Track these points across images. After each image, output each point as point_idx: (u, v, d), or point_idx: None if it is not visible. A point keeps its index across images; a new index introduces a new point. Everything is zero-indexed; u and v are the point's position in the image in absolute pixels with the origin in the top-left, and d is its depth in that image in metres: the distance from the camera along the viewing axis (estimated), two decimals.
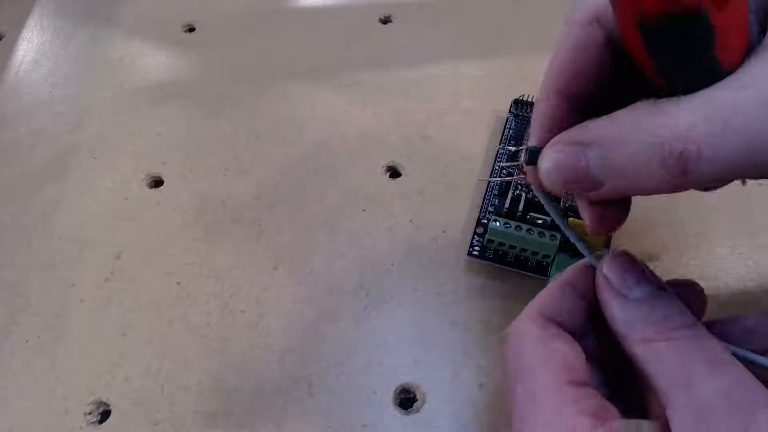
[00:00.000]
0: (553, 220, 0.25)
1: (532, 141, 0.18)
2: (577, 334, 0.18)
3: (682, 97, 0.14)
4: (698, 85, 0.14)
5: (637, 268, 0.17)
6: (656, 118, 0.14)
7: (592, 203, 0.18)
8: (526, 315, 0.18)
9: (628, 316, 0.16)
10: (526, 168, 0.18)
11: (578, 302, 0.18)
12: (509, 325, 0.18)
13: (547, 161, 0.16)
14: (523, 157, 0.18)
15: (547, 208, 0.20)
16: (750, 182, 0.29)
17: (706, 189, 0.16)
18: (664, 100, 0.14)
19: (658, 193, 0.15)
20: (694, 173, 0.14)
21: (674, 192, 0.15)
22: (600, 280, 0.17)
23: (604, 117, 0.15)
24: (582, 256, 0.19)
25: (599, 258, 0.18)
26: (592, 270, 0.18)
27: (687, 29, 0.13)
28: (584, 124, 0.16)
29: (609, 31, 0.17)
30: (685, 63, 0.14)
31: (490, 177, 0.29)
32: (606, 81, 0.17)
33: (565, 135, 0.16)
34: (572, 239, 0.19)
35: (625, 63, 0.16)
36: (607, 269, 0.17)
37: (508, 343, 0.18)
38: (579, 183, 0.16)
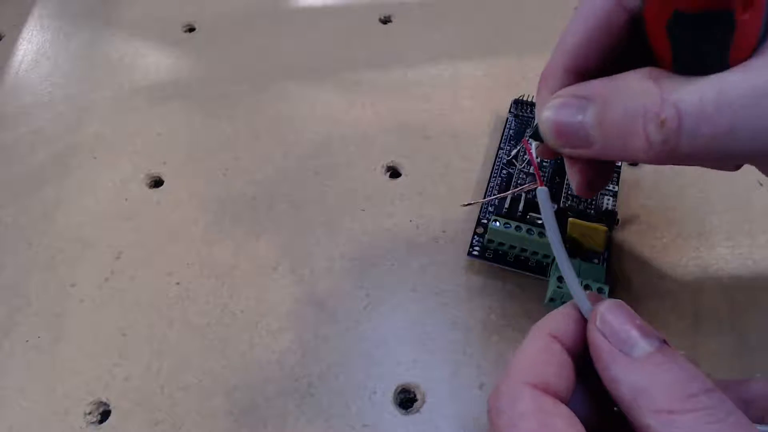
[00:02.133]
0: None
1: (537, 114, 0.18)
2: (565, 398, 0.15)
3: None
4: (702, 74, 0.14)
5: (635, 319, 0.15)
6: (649, 85, 0.15)
7: (581, 167, 0.19)
8: (515, 380, 0.15)
9: (634, 379, 0.14)
10: (532, 144, 0.18)
11: (566, 360, 0.16)
12: (495, 390, 0.16)
13: (548, 111, 0.17)
14: (529, 131, 0.18)
15: (548, 233, 0.18)
16: (750, 183, 0.29)
17: (686, 164, 0.17)
18: (662, 71, 0.15)
19: (645, 162, 0.15)
20: (672, 143, 0.14)
21: (659, 164, 0.15)
22: (595, 337, 0.15)
23: (605, 77, 0.16)
24: (582, 259, 0.18)
25: (592, 301, 0.16)
26: (581, 318, 0.16)
27: (716, 23, 0.13)
28: (585, 82, 0.16)
29: (631, 13, 0.16)
30: (700, 54, 0.14)
31: (489, 177, 0.29)
32: (617, 62, 0.17)
33: (566, 89, 0.17)
34: (568, 280, 0.17)
35: (637, 45, 0.16)
36: (601, 324, 0.15)
37: (501, 414, 0.15)
38: (573, 138, 0.16)
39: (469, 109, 0.33)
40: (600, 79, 0.16)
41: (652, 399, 0.14)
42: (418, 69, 0.35)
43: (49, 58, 0.37)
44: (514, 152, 0.28)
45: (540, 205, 0.17)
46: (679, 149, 0.14)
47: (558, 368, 0.16)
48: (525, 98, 0.32)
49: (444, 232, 0.29)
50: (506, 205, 0.27)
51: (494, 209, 0.28)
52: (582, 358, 0.16)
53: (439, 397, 0.24)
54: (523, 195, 0.27)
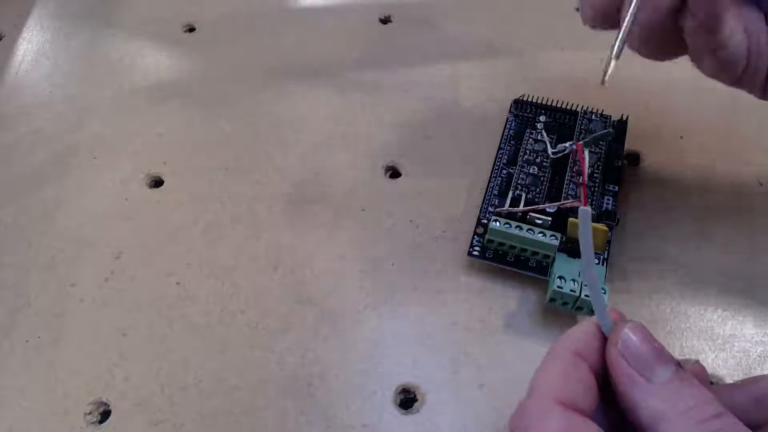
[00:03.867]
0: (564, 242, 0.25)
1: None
2: (591, 416, 0.16)
3: None
4: None
5: (655, 342, 0.16)
6: None
7: None
8: (543, 397, 0.16)
9: (654, 404, 0.15)
10: (585, 153, 0.17)
11: (590, 378, 0.16)
12: (520, 408, 0.16)
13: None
14: (586, 138, 0.17)
15: (583, 255, 0.17)
16: (750, 183, 0.29)
17: None
18: None
19: None
20: None
21: None
22: (616, 360, 0.16)
23: None
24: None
25: (614, 319, 0.16)
26: (602, 336, 0.17)
27: None
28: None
29: None
30: None
31: (489, 177, 0.29)
32: None
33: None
34: (594, 300, 0.17)
35: None
36: (623, 347, 0.16)
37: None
38: None
39: (469, 109, 0.33)
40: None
41: (671, 424, 0.14)
42: (418, 69, 0.35)
43: (49, 58, 0.37)
44: (560, 148, 0.25)
45: (580, 227, 0.16)
46: None
47: (584, 386, 0.16)
48: (525, 98, 0.32)
49: (444, 232, 0.29)
50: (506, 205, 0.27)
51: (494, 209, 0.28)
52: (603, 377, 0.16)
53: (439, 397, 0.24)
54: (524, 195, 0.27)
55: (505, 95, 0.32)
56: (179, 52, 0.37)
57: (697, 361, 0.18)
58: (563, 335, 0.17)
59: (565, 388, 0.15)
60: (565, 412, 0.15)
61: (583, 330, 0.17)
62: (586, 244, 0.16)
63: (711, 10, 0.19)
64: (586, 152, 0.18)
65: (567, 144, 0.22)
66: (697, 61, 0.21)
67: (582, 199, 0.17)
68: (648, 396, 0.15)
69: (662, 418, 0.14)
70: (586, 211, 0.16)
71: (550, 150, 0.24)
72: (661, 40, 0.21)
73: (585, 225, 0.16)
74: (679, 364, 0.15)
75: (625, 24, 0.19)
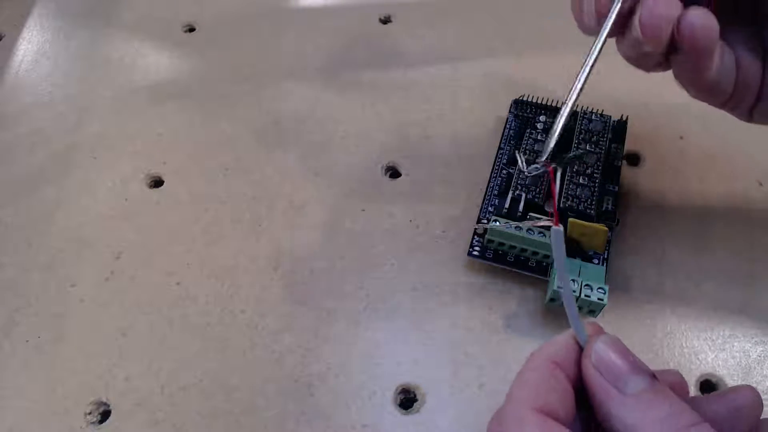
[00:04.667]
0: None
1: None
2: (568, 426, 0.16)
3: None
4: None
5: (629, 355, 0.16)
6: None
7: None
8: (520, 404, 0.16)
9: (629, 415, 0.15)
10: (558, 172, 0.17)
11: (568, 388, 0.16)
12: (498, 414, 0.16)
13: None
14: (560, 158, 0.18)
15: (558, 271, 0.18)
16: (750, 183, 0.29)
17: None
18: None
19: None
20: None
21: None
22: (590, 372, 0.16)
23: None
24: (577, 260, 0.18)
25: (590, 332, 0.17)
26: (578, 348, 0.17)
27: None
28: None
29: None
30: None
31: (489, 178, 0.29)
32: None
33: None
34: (569, 311, 0.17)
35: None
36: (596, 360, 0.16)
37: None
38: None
39: (469, 109, 0.33)
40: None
41: None
42: (418, 69, 0.35)
43: (49, 58, 0.37)
44: (532, 169, 0.26)
45: (552, 246, 0.17)
46: None
47: (562, 395, 0.16)
48: (525, 98, 0.32)
49: (444, 232, 0.29)
50: (506, 205, 0.27)
51: (494, 209, 0.28)
52: (580, 388, 0.17)
53: (439, 397, 0.24)
54: (524, 195, 0.27)
55: (505, 95, 0.32)
56: (179, 52, 0.37)
57: (677, 373, 0.18)
58: (542, 345, 0.17)
59: (542, 397, 0.16)
60: (541, 420, 0.15)
61: (562, 340, 0.17)
62: (560, 260, 0.17)
63: (700, 46, 0.19)
64: (558, 174, 0.19)
65: (539, 165, 0.22)
66: (682, 85, 0.22)
67: (554, 219, 0.17)
68: (622, 407, 0.15)
69: (634, 427, 0.15)
70: (558, 230, 0.17)
71: (525, 169, 0.24)
72: (646, 65, 0.22)
73: (558, 243, 0.17)
74: (653, 376, 0.16)
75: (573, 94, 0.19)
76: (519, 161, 0.24)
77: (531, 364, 0.17)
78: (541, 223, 0.23)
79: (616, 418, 0.15)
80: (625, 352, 0.16)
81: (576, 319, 0.17)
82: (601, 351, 0.16)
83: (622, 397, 0.15)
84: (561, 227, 0.17)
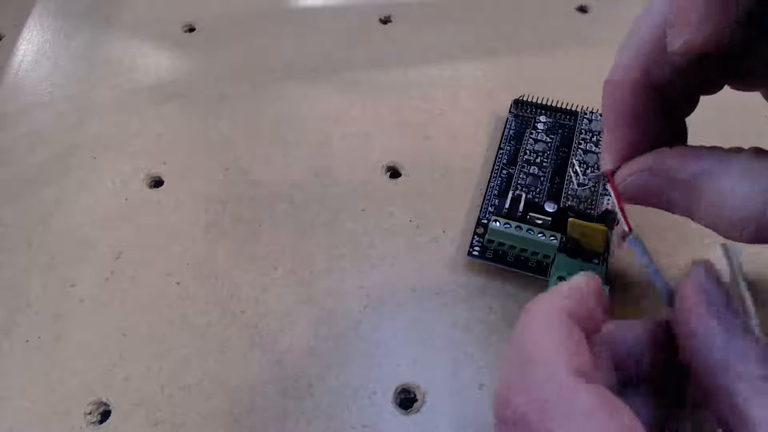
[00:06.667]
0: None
1: (609, 156, 0.17)
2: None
3: None
4: None
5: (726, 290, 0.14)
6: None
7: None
8: (555, 368, 0.13)
9: (734, 345, 0.13)
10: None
11: (587, 346, 0.14)
12: (526, 384, 0.13)
13: (633, 175, 0.16)
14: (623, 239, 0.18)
15: (656, 282, 0.16)
16: None
17: None
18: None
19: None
20: None
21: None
22: (695, 292, 0.14)
23: (710, 150, 0.15)
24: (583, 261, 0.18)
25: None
26: (590, 299, 0.15)
27: None
28: (683, 154, 0.15)
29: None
30: None
31: (489, 178, 0.29)
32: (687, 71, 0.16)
33: (658, 161, 0.16)
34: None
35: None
36: (706, 279, 0.14)
37: (549, 414, 0.13)
38: (652, 204, 0.16)
39: (469, 109, 0.33)
40: (696, 157, 0.15)
41: (747, 364, 0.13)
42: (418, 69, 0.35)
43: (49, 58, 0.37)
44: (590, 174, 0.25)
45: (637, 254, 0.16)
46: None
47: (588, 356, 0.14)
48: (525, 98, 0.32)
49: (444, 232, 0.29)
50: (506, 205, 0.27)
51: (494, 209, 0.28)
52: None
53: (439, 397, 0.24)
54: (524, 195, 0.27)
55: (505, 95, 0.32)
56: (179, 52, 0.37)
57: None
58: (547, 293, 0.15)
59: (575, 358, 0.13)
60: (593, 386, 0.12)
61: (574, 287, 0.15)
62: (655, 272, 0.16)
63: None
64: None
65: (599, 172, 0.23)
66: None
67: (626, 226, 0.17)
68: (729, 337, 0.13)
69: (737, 356, 0.13)
70: (638, 242, 0.16)
71: (583, 178, 0.24)
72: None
73: (643, 254, 0.16)
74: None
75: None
76: (573, 174, 0.24)
77: (543, 316, 0.14)
78: (617, 237, 0.22)
79: (716, 347, 0.13)
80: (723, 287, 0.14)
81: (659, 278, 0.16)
82: (708, 273, 0.14)
83: (727, 327, 0.13)
84: (640, 238, 0.17)
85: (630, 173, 0.16)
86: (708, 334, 0.13)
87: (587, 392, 0.12)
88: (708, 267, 0.15)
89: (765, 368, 0.13)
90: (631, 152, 0.17)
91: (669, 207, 0.16)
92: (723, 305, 0.14)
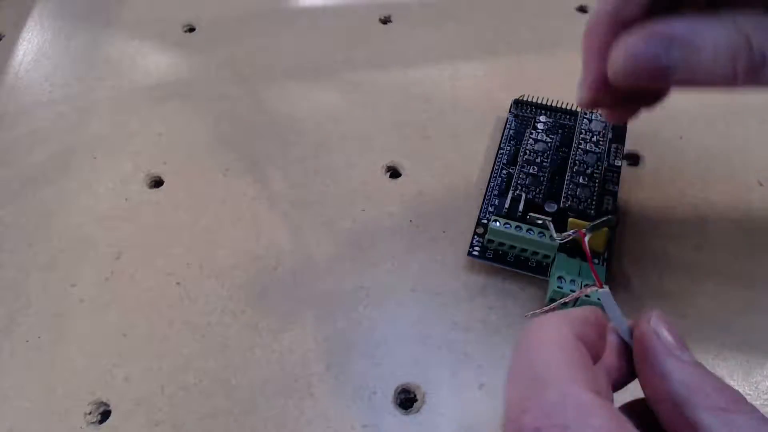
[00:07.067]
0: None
1: (584, 91, 0.19)
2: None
3: None
4: None
5: (677, 332, 0.16)
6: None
7: (626, 102, 0.20)
8: (571, 386, 0.13)
9: (687, 377, 0.14)
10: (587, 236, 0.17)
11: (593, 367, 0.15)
12: (540, 401, 0.13)
13: (626, 50, 0.16)
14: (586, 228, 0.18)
15: (621, 332, 0.17)
16: (750, 183, 0.29)
17: None
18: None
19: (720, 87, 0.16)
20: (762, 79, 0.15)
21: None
22: (649, 334, 0.15)
23: (685, 18, 0.16)
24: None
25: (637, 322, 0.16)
26: (600, 326, 0.16)
27: None
28: (665, 20, 0.16)
29: None
30: None
31: (489, 178, 0.29)
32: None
33: (648, 28, 0.16)
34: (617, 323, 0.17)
35: None
36: (655, 323, 0.15)
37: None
38: (650, 75, 0.16)
39: (469, 109, 0.33)
40: (681, 19, 0.16)
41: (707, 396, 0.14)
42: (418, 69, 0.35)
43: (49, 58, 0.37)
44: (564, 234, 0.25)
45: (605, 308, 0.17)
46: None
47: (599, 376, 0.14)
48: (525, 98, 0.32)
49: (444, 232, 0.29)
50: (506, 205, 0.27)
51: (494, 209, 0.28)
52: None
53: (439, 397, 0.24)
54: (524, 195, 0.27)
55: (505, 95, 0.32)
56: (179, 52, 0.37)
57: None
58: (554, 315, 0.15)
59: (589, 378, 0.13)
60: (607, 407, 0.13)
61: (580, 316, 0.15)
62: (620, 323, 0.17)
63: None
64: (587, 238, 0.22)
65: (570, 232, 0.23)
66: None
67: (597, 282, 0.17)
68: (681, 369, 0.14)
69: (696, 388, 0.14)
70: (605, 293, 0.17)
71: (556, 237, 0.25)
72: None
73: (611, 306, 0.17)
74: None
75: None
76: (549, 227, 0.25)
77: (554, 336, 0.14)
78: (585, 290, 0.22)
79: (675, 380, 0.14)
80: (674, 326, 0.16)
81: (619, 317, 0.17)
82: (657, 320, 0.15)
83: (681, 362, 0.15)
84: (608, 289, 0.17)
85: (623, 49, 0.17)
86: (666, 370, 0.15)
87: (605, 410, 0.12)
88: (658, 314, 0.16)
89: (723, 398, 0.14)
90: (603, 85, 0.18)
91: (668, 73, 0.16)
92: (675, 342, 0.15)
